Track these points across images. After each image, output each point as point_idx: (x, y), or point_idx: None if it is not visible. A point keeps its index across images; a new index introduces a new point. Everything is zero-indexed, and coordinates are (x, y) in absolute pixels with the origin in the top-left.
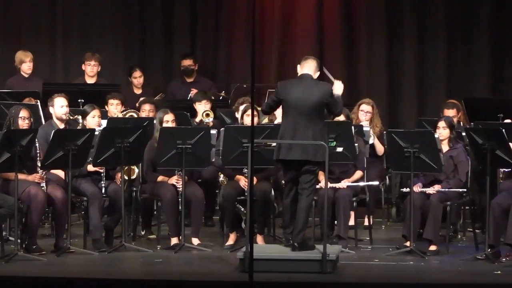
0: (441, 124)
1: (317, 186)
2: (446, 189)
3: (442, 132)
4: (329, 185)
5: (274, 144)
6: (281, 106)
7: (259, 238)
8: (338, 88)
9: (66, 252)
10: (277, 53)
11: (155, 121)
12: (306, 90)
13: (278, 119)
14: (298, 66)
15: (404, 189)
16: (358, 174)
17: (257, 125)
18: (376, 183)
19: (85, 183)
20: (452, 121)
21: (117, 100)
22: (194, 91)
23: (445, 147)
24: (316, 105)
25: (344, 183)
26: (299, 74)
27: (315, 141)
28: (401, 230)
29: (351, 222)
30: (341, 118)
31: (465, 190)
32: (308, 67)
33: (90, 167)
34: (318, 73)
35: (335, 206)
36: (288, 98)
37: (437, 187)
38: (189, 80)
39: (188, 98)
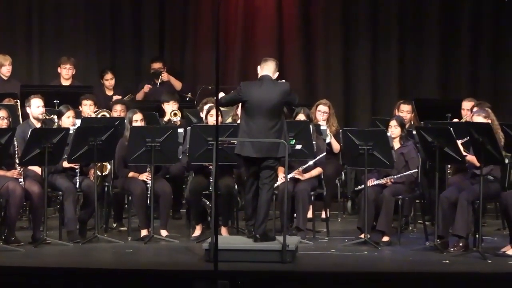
0: (393, 123)
1: (276, 184)
2: (398, 175)
3: (394, 130)
4: (289, 175)
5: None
6: (241, 106)
7: (224, 230)
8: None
9: (42, 243)
10: (240, 57)
11: (125, 121)
12: (267, 91)
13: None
14: (259, 67)
15: (359, 187)
16: (317, 170)
17: (221, 124)
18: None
19: (60, 179)
20: (403, 120)
21: (90, 101)
22: (161, 70)
23: (396, 144)
24: (277, 105)
25: (298, 170)
26: (259, 75)
27: (276, 139)
28: (356, 222)
29: (309, 214)
30: (302, 117)
31: (415, 170)
32: (267, 69)
33: (65, 164)
34: (277, 73)
35: (294, 200)
36: (251, 99)
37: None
38: (158, 81)
39: (157, 77)
